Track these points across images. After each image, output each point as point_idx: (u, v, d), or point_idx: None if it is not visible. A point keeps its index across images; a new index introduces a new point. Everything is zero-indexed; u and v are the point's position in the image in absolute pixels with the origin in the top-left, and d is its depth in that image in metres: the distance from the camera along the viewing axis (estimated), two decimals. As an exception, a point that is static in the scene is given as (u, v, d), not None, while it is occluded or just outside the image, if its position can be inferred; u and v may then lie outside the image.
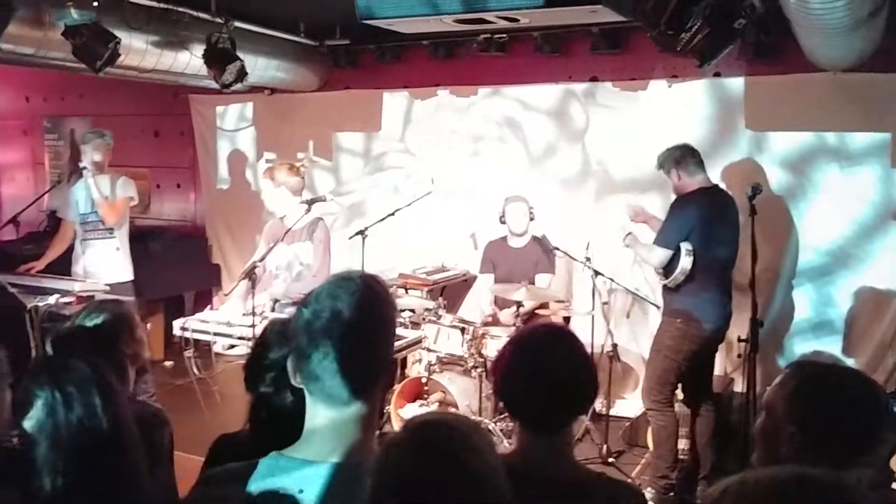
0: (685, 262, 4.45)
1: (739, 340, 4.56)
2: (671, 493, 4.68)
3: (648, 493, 4.61)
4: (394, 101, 7.06)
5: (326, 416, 1.55)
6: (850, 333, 5.50)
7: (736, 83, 5.72)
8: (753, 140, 5.69)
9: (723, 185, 5.06)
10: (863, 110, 5.29)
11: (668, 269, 4.58)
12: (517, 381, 2.04)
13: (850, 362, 5.22)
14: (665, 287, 4.65)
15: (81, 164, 5.73)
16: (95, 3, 4.90)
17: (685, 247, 4.46)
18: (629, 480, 4.75)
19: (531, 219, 5.85)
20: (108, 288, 5.39)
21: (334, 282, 1.59)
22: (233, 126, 7.95)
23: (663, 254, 4.54)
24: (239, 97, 7.57)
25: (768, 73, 5.57)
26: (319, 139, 7.44)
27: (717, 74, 5.70)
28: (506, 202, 5.89)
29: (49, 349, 2.68)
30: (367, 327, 1.55)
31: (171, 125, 8.28)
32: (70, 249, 5.94)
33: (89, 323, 2.75)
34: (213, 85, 5.85)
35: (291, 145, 7.38)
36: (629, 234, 4.89)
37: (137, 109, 8.29)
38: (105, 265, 5.77)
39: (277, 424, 1.87)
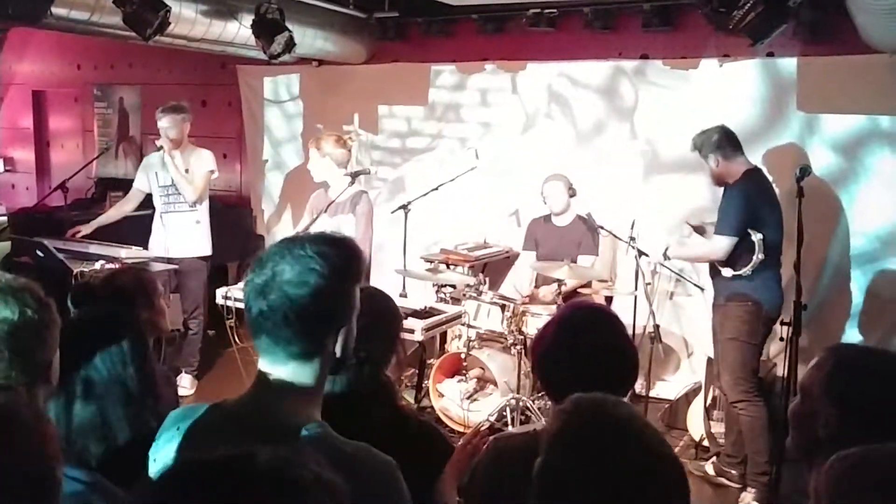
0: (759, 246, 4.34)
1: (782, 323, 4.47)
2: (775, 491, 4.43)
3: (750, 493, 4.49)
4: (441, 75, 7.03)
5: (266, 372, 1.58)
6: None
7: (789, 63, 5.59)
8: (805, 122, 5.56)
9: (763, 167, 4.93)
10: (919, 94, 5.15)
11: (733, 258, 4.45)
12: (556, 360, 2.04)
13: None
14: (729, 274, 4.50)
15: (158, 143, 5.71)
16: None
17: (752, 231, 4.36)
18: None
19: (571, 195, 5.81)
20: (154, 256, 5.46)
21: (282, 244, 1.60)
22: (280, 97, 7.98)
23: (729, 243, 4.40)
24: (286, 68, 7.59)
25: (823, 54, 5.43)
26: (366, 112, 7.43)
27: (770, 54, 5.57)
28: (544, 182, 5.86)
29: (70, 306, 2.71)
30: (303, 292, 1.53)
31: (219, 95, 8.34)
32: (123, 220, 5.95)
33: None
34: (261, 56, 5.85)
35: (338, 117, 7.38)
36: (667, 248, 4.85)
37: (185, 79, 8.38)
38: (185, 239, 5.78)
39: (334, 395, 1.91)
